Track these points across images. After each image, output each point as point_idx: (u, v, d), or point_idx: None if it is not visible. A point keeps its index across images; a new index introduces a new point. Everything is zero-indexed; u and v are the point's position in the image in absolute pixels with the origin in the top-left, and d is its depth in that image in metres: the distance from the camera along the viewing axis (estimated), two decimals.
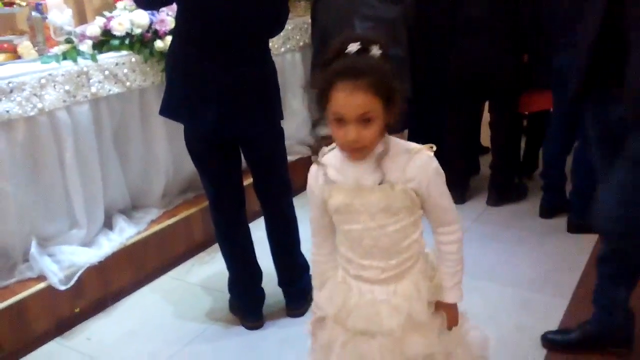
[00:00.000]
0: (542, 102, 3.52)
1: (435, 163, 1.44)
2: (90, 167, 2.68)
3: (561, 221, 3.27)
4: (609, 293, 2.19)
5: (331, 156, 1.49)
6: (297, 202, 2.62)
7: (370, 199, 1.43)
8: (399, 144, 1.44)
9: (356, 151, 1.38)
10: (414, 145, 1.44)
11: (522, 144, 3.89)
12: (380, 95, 1.32)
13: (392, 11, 3.20)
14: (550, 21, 3.10)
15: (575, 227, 3.18)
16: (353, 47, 1.32)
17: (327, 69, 1.33)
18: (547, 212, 3.37)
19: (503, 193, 3.58)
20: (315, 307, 1.60)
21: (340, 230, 1.52)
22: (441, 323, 1.55)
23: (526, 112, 3.78)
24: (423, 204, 1.47)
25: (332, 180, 1.46)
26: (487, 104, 3.81)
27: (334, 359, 1.53)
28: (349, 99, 1.30)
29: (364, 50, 1.32)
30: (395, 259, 1.47)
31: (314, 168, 1.52)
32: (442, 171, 1.46)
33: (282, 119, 2.45)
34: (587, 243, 3.07)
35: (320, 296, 1.58)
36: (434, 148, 1.43)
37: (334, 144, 1.49)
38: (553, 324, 2.45)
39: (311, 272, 1.68)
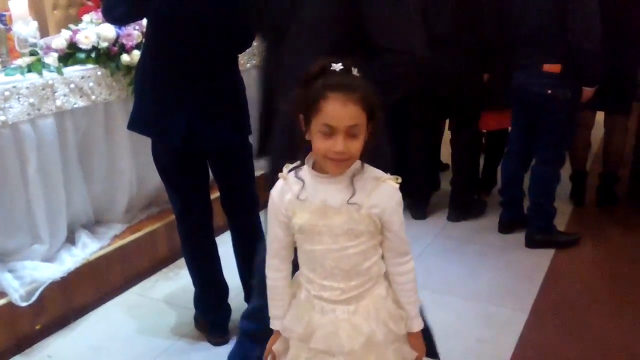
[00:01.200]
0: (501, 121, 3.64)
1: (399, 195, 1.48)
2: (54, 181, 2.64)
3: (519, 236, 3.37)
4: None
5: (300, 173, 1.49)
6: (262, 218, 2.63)
7: (334, 221, 1.44)
8: (369, 169, 1.48)
9: (340, 162, 1.40)
10: (381, 173, 1.48)
11: (481, 161, 4.01)
12: (366, 111, 1.37)
13: None
14: (509, 41, 3.21)
15: (533, 242, 3.28)
16: (337, 66, 1.37)
17: (313, 83, 1.37)
18: (505, 227, 3.46)
19: (463, 209, 3.66)
20: (284, 331, 1.59)
21: (302, 250, 1.52)
22: (399, 349, 1.56)
23: (485, 130, 3.90)
24: (383, 231, 1.50)
25: (298, 198, 1.47)
26: (447, 121, 3.91)
27: None
28: (341, 110, 1.34)
29: (347, 70, 1.38)
30: (355, 280, 1.49)
31: (280, 183, 1.51)
32: (402, 203, 1.50)
33: (250, 133, 2.47)
34: (544, 257, 3.18)
35: (287, 316, 1.57)
36: (400, 180, 1.47)
37: (297, 162, 1.50)
38: (513, 337, 2.53)
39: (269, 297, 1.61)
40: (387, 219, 1.47)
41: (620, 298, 2.82)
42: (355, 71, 1.39)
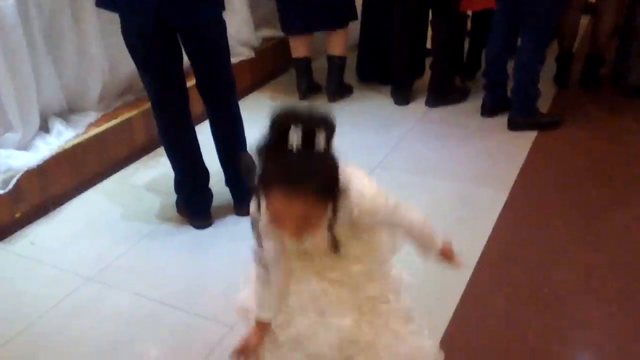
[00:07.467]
0: (484, 1, 3.50)
1: (372, 193, 1.27)
2: (21, 66, 2.52)
3: (502, 119, 3.34)
4: None
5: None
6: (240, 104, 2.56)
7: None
8: (351, 197, 1.23)
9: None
10: (360, 188, 1.25)
11: (466, 46, 3.91)
12: (321, 199, 1.17)
13: None
14: None
15: (515, 125, 3.26)
16: (295, 138, 1.10)
17: (268, 157, 1.14)
18: (488, 110, 3.42)
19: (441, 94, 3.59)
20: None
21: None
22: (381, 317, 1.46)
23: (470, 11, 3.76)
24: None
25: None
26: None
27: None
28: (286, 206, 1.15)
29: (308, 143, 1.11)
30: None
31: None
32: (380, 195, 1.29)
33: (224, 9, 2.36)
34: (526, 140, 3.18)
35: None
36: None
37: None
38: (492, 216, 2.55)
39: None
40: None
41: (600, 178, 2.83)
42: (321, 138, 1.12)
